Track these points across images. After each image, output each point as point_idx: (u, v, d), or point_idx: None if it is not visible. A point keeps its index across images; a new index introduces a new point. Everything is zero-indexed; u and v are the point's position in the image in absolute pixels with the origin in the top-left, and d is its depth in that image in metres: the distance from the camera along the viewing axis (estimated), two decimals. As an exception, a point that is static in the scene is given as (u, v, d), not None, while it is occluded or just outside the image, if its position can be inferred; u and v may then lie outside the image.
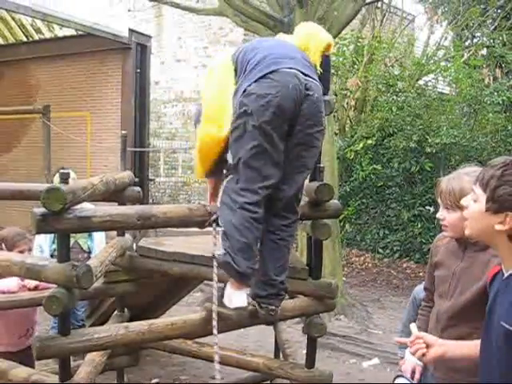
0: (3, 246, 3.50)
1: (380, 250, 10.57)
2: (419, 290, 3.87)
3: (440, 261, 2.60)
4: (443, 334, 2.32)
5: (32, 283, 3.46)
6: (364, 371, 5.59)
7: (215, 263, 2.73)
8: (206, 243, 3.66)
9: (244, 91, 2.60)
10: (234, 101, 2.69)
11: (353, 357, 5.94)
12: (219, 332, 2.63)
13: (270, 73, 2.57)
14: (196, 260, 3.44)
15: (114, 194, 3.47)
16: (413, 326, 2.11)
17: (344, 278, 9.26)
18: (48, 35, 11.15)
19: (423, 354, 1.96)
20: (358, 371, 5.60)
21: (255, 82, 2.58)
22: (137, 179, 10.48)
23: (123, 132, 3.97)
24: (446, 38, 11.70)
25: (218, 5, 8.07)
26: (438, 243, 2.71)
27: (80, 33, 10.20)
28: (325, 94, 2.86)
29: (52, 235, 4.72)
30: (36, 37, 11.28)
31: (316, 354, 3.29)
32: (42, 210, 2.33)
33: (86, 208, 2.59)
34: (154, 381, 5.03)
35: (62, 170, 2.52)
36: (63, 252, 2.44)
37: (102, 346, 2.55)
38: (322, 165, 3.23)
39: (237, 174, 2.60)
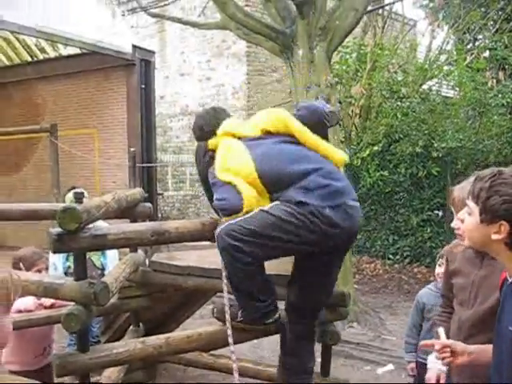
0: (21, 265, 3.54)
1: (390, 256, 10.56)
2: (423, 294, 3.91)
3: (457, 268, 2.63)
4: (466, 342, 2.34)
5: (48, 301, 3.51)
6: (379, 378, 5.59)
7: (224, 273, 2.78)
8: (216, 256, 3.70)
9: (312, 206, 2.67)
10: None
11: (367, 364, 5.94)
12: (234, 343, 2.68)
13: (344, 204, 2.73)
14: (209, 273, 3.48)
15: (126, 210, 3.53)
16: (441, 331, 2.13)
17: (355, 286, 9.26)
18: (52, 54, 11.30)
19: (450, 362, 2.00)
20: (373, 378, 5.60)
21: (331, 208, 2.68)
22: (146, 194, 10.58)
23: (132, 149, 4.04)
24: (447, 42, 11.73)
25: (220, 18, 8.15)
26: (454, 250, 2.74)
27: (84, 51, 10.33)
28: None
29: (65, 254, 4.79)
30: (41, 56, 11.43)
31: (331, 362, 3.31)
32: (58, 229, 2.38)
33: (100, 226, 2.64)
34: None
35: (75, 190, 2.58)
36: (80, 270, 2.49)
37: (121, 361, 2.59)
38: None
39: None
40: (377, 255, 10.80)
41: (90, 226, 2.55)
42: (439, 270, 3.75)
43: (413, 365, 3.87)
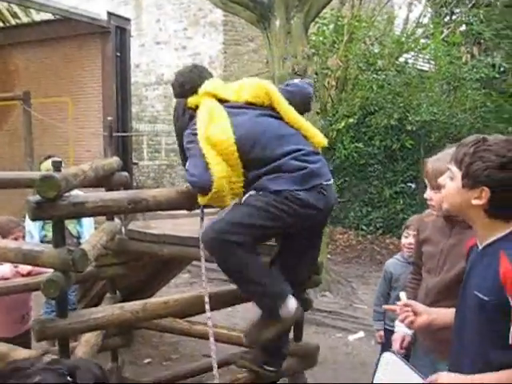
0: None
1: (363, 227, 10.75)
2: (390, 264, 4.04)
3: (428, 237, 2.71)
4: (432, 307, 2.44)
5: (25, 269, 3.54)
6: (349, 344, 5.77)
7: (202, 245, 2.82)
8: (192, 225, 3.76)
9: (287, 192, 2.69)
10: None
11: (339, 331, 6.11)
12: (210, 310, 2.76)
13: (319, 186, 2.74)
14: (184, 241, 3.54)
15: (102, 179, 3.55)
16: (402, 295, 2.22)
17: (328, 256, 9.43)
18: (25, 20, 11.06)
19: (411, 322, 2.09)
20: (344, 345, 5.77)
21: (306, 190, 2.70)
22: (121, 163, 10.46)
23: (109, 118, 4.02)
24: (424, 16, 11.79)
25: (197, -13, 8.08)
26: (425, 219, 2.83)
27: (58, 17, 10.13)
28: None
29: (41, 222, 4.81)
30: (13, 22, 11.18)
31: (303, 328, 3.42)
32: (37, 197, 2.41)
33: (78, 195, 2.67)
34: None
35: (53, 158, 2.59)
36: (58, 237, 2.52)
37: (99, 326, 2.65)
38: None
39: None
40: (350, 226, 10.97)
41: (68, 194, 2.57)
42: (405, 240, 3.87)
43: (381, 332, 4.02)
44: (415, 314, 2.08)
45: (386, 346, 3.82)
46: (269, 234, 2.89)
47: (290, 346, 3.37)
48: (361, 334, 5.95)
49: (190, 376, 4.22)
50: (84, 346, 2.96)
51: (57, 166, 2.49)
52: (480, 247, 1.87)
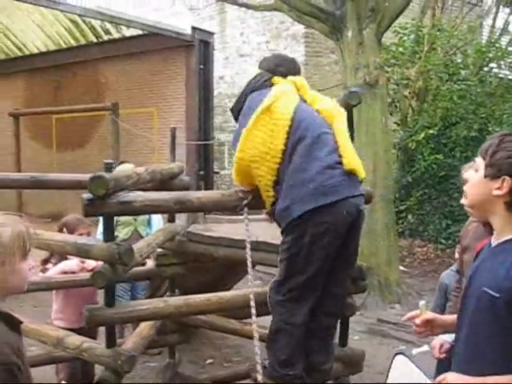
0: (65, 230, 3.86)
1: (442, 241, 10.47)
2: (444, 276, 3.97)
3: (468, 244, 2.70)
4: None
5: (91, 264, 3.80)
6: (413, 357, 5.67)
7: (248, 246, 2.94)
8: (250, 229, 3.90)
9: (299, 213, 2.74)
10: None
11: (404, 343, 6.03)
12: (258, 315, 2.86)
13: (329, 204, 2.74)
14: (238, 244, 3.68)
15: (164, 183, 3.76)
16: (421, 304, 2.22)
17: (405, 268, 9.28)
18: (116, 36, 11.68)
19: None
20: (408, 357, 5.68)
21: (314, 210, 2.73)
22: (202, 172, 10.78)
23: (172, 126, 4.24)
24: (509, 23, 11.39)
25: (274, 0, 8.27)
26: (468, 227, 2.81)
27: (145, 32, 10.65)
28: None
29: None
30: (105, 38, 11.83)
31: (348, 332, 3.46)
32: (89, 195, 2.63)
33: (129, 193, 2.87)
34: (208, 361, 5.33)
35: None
36: (108, 233, 2.73)
37: (143, 317, 2.84)
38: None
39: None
40: (429, 239, 10.73)
41: (122, 193, 2.78)
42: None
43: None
44: (432, 327, 2.09)
45: (440, 360, 3.75)
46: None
47: (336, 351, 3.42)
48: (425, 347, 5.81)
49: (245, 377, 4.33)
50: (135, 337, 3.16)
51: (108, 168, 2.70)
52: (494, 244, 1.83)
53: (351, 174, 2.84)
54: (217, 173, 12.51)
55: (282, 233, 2.86)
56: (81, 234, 3.73)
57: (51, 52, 12.35)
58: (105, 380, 2.70)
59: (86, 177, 3.96)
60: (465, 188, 1.92)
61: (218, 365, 5.33)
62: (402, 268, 8.75)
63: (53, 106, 11.91)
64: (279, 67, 3.16)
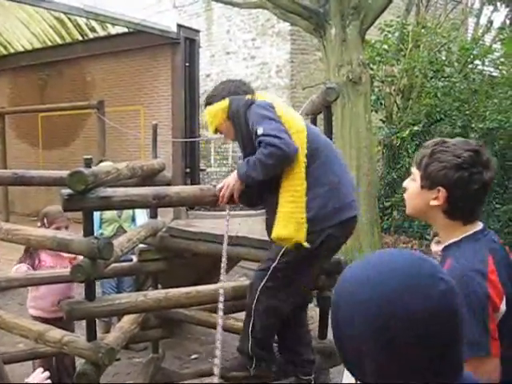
0: (45, 220, 3.89)
1: (427, 237, 10.54)
2: None
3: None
4: None
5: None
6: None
7: (226, 240, 2.98)
8: (231, 224, 3.94)
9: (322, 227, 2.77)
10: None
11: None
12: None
13: (351, 218, 2.83)
14: (219, 239, 3.71)
15: (145, 179, 3.80)
16: None
17: (389, 264, 9.35)
18: (102, 33, 11.65)
19: None
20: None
21: (336, 225, 2.77)
22: (188, 169, 10.76)
23: (153, 123, 4.27)
24: (494, 20, 11.51)
25: (258, -2, 8.32)
26: None
27: (131, 30, 10.65)
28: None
29: (98, 221, 5.18)
30: (91, 35, 11.81)
31: (328, 325, 3.50)
32: (69, 190, 2.66)
33: (108, 189, 2.90)
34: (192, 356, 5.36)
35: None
36: (88, 227, 2.76)
37: (123, 310, 2.87)
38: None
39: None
40: (414, 235, 10.81)
41: (99, 188, 2.81)
42: (437, 248, 3.81)
43: None
44: None
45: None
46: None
47: (315, 343, 3.47)
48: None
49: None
50: (116, 332, 3.19)
51: (87, 163, 2.73)
52: (441, 248, 1.89)
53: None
54: (203, 170, 12.57)
55: None
56: (58, 227, 3.76)
57: (37, 50, 12.32)
58: (85, 373, 2.72)
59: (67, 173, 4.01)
60: (405, 196, 1.97)
61: (203, 360, 5.35)
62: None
63: (38, 105, 11.88)
64: (240, 88, 3.01)
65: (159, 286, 4.22)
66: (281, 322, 2.98)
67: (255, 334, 2.89)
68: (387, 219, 10.96)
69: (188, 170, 10.49)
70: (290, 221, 2.73)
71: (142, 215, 5.46)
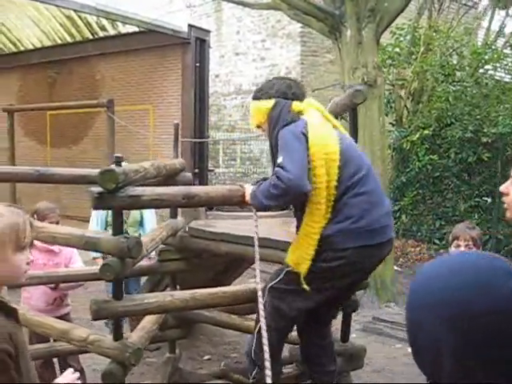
0: (35, 217, 3.86)
1: (436, 241, 10.54)
2: None
3: None
4: None
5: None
6: (409, 355, 5.71)
7: (256, 242, 2.94)
8: (250, 225, 3.91)
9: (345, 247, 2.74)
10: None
11: (399, 342, 6.06)
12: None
13: (372, 245, 2.76)
14: (240, 240, 3.70)
15: (167, 179, 3.78)
16: None
17: (398, 268, 9.34)
18: (112, 32, 11.65)
19: None
20: (404, 355, 5.73)
21: (359, 247, 2.73)
22: (197, 170, 10.74)
23: (175, 122, 4.26)
24: (506, 25, 11.49)
25: (272, -1, 8.30)
26: None
27: (142, 29, 10.64)
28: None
29: (104, 223, 5.12)
30: (101, 34, 11.80)
31: (350, 328, 3.49)
32: (99, 188, 2.64)
33: (137, 188, 2.88)
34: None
35: (115, 155, 2.83)
36: (117, 226, 2.74)
37: (149, 310, 2.85)
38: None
39: None
40: (422, 239, 10.79)
41: (128, 187, 2.79)
42: (456, 251, 3.77)
43: None
44: None
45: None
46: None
47: (337, 346, 3.46)
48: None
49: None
50: (140, 331, 3.17)
51: (118, 161, 2.71)
52: None
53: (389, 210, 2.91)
54: (211, 170, 12.55)
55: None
56: (51, 223, 3.73)
57: (46, 48, 12.32)
58: (112, 372, 2.71)
59: (90, 171, 3.99)
60: (504, 199, 1.91)
61: (215, 361, 5.34)
62: (395, 268, 8.80)
63: (47, 102, 11.89)
64: (291, 90, 2.96)
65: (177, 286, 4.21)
66: (301, 335, 3.00)
67: (259, 335, 2.87)
68: (395, 223, 10.92)
69: (197, 171, 10.47)
70: (297, 252, 2.78)
71: (151, 220, 5.42)
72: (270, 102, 2.90)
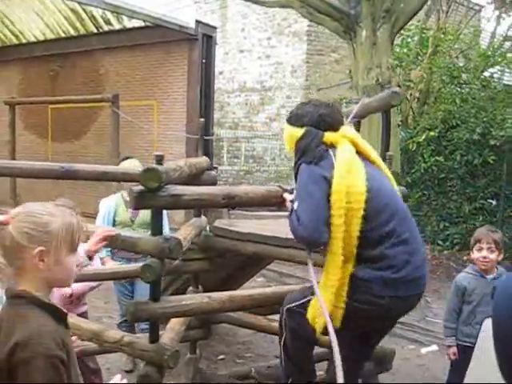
0: None
1: (440, 242, 10.54)
2: (462, 278, 3.92)
3: None
4: None
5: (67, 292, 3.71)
6: (422, 357, 5.71)
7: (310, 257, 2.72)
8: (275, 225, 3.89)
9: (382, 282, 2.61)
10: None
11: (411, 343, 6.05)
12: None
13: (402, 297, 2.66)
14: (267, 240, 3.66)
15: (194, 177, 3.73)
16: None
17: (403, 269, 9.33)
18: (117, 27, 11.54)
19: None
20: (417, 357, 5.72)
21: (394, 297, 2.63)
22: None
23: (201, 120, 4.21)
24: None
25: (284, -4, 8.24)
26: None
27: (148, 24, 10.55)
28: None
29: (111, 222, 4.92)
30: (106, 28, 11.69)
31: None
32: (140, 187, 2.58)
33: (178, 187, 2.83)
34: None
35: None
36: (157, 226, 2.69)
37: (188, 312, 2.81)
38: (390, 153, 3.40)
39: None
40: (426, 240, 10.77)
41: (168, 186, 2.74)
42: (478, 254, 3.73)
43: (454, 349, 3.86)
44: None
45: (458, 362, 3.76)
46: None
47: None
48: (434, 347, 5.87)
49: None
50: (170, 332, 3.12)
51: (159, 160, 2.66)
52: None
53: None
54: (215, 168, 12.49)
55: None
56: None
57: (49, 41, 12.19)
58: (148, 375, 2.66)
59: (113, 168, 3.94)
60: None
61: (229, 361, 5.30)
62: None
63: (49, 96, 11.76)
64: (325, 118, 2.79)
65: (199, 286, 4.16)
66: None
67: (285, 349, 2.83)
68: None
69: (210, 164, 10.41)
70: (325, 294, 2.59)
71: (164, 221, 5.30)
72: (301, 131, 2.77)
